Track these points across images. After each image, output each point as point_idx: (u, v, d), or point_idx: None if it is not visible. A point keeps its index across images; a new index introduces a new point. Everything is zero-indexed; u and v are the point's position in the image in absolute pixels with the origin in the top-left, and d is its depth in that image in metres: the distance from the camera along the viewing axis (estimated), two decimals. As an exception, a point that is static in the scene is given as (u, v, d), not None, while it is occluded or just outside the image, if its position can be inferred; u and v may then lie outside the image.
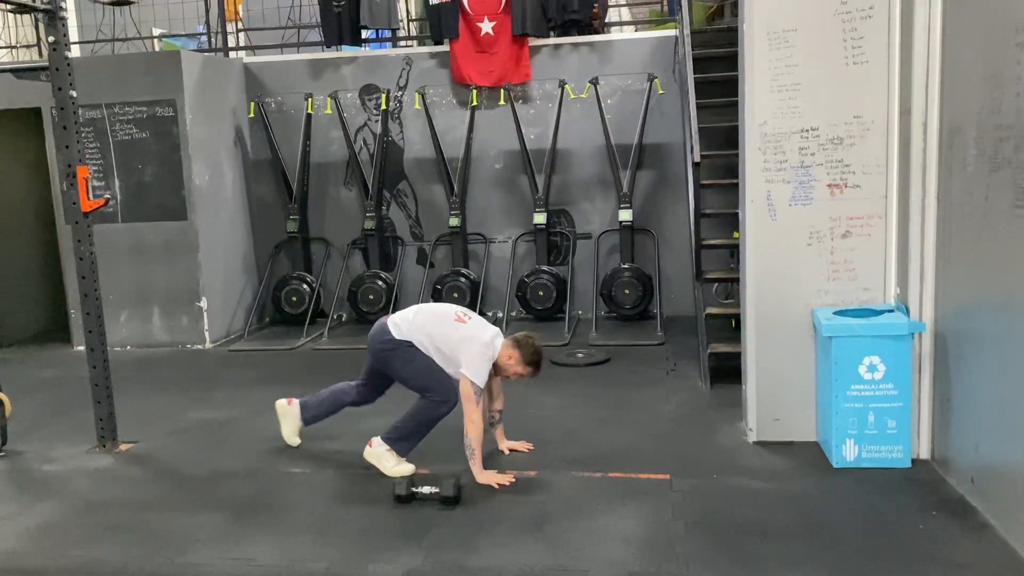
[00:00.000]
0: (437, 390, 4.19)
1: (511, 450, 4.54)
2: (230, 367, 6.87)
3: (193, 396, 6.00)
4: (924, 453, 4.18)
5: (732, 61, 4.91)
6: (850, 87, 4.24)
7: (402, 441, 4.27)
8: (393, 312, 4.62)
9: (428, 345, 4.19)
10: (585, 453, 4.51)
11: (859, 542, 3.40)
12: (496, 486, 4.04)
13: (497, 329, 4.30)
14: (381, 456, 4.26)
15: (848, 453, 4.13)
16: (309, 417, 4.70)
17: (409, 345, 4.21)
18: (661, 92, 7.54)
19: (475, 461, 4.11)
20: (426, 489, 3.95)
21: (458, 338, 4.15)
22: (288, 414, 4.73)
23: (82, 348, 5.26)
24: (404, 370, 4.26)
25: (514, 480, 4.09)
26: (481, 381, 4.08)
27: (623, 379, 5.93)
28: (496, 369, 4.22)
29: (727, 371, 5.39)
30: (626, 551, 3.41)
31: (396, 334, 4.24)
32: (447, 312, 4.35)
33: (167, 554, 3.58)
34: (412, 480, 3.99)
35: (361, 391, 4.60)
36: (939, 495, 3.80)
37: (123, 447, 4.94)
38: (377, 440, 4.29)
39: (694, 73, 6.45)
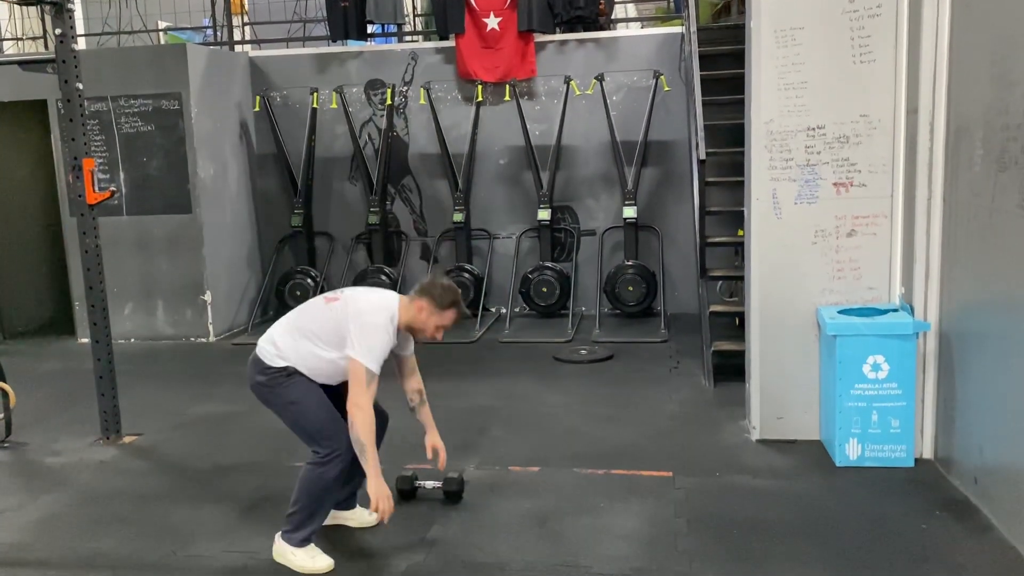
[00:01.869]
0: (322, 440, 3.34)
1: (435, 449, 3.68)
2: (234, 361, 6.86)
3: (197, 389, 6.01)
4: (927, 453, 4.18)
5: (738, 58, 4.90)
6: (857, 86, 4.23)
7: (302, 528, 3.38)
8: None
9: (305, 353, 3.35)
10: (588, 450, 4.51)
11: (861, 541, 3.40)
12: (378, 513, 3.26)
13: (389, 291, 3.54)
14: (285, 553, 3.40)
15: (851, 452, 4.13)
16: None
17: (285, 374, 3.35)
18: (667, 89, 7.52)
19: (368, 462, 3.24)
20: (429, 484, 3.95)
21: (334, 323, 3.32)
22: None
23: (86, 340, 5.27)
24: (287, 412, 3.41)
25: (390, 513, 3.28)
26: (375, 360, 3.24)
27: (626, 376, 5.93)
28: (412, 333, 3.46)
29: (730, 369, 5.39)
30: (629, 548, 3.41)
31: (268, 359, 3.38)
32: (314, 303, 3.51)
33: (171, 546, 3.59)
34: (415, 475, 3.99)
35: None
36: (942, 495, 3.79)
37: (127, 440, 4.96)
38: (277, 537, 3.45)
39: (700, 70, 6.44)
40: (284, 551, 3.40)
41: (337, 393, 3.41)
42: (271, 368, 3.37)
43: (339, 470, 3.35)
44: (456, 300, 3.42)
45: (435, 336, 3.44)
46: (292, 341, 3.38)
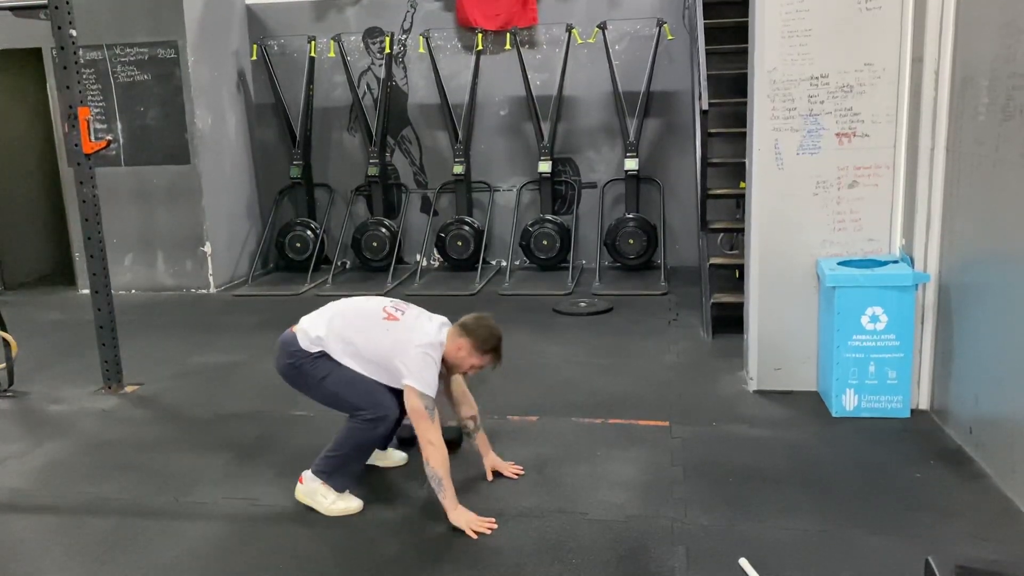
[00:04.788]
0: (368, 406, 3.30)
1: (496, 473, 3.62)
2: (234, 312, 6.90)
3: (198, 340, 6.03)
4: (924, 404, 4.20)
5: (743, 7, 4.81)
6: (862, 34, 4.16)
7: (337, 475, 3.38)
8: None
9: (352, 356, 3.31)
10: (586, 400, 4.54)
11: (855, 489, 3.44)
12: (473, 534, 3.15)
13: (443, 319, 3.48)
14: (315, 492, 3.38)
15: (848, 403, 4.15)
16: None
17: (320, 356, 3.32)
18: (670, 38, 7.42)
19: (446, 495, 3.20)
20: (428, 433, 3.98)
21: (390, 343, 3.27)
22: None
23: (87, 291, 5.28)
24: (320, 389, 3.35)
25: (494, 527, 3.21)
26: (430, 389, 3.20)
27: (625, 328, 5.94)
28: (447, 367, 3.38)
29: (729, 321, 5.39)
30: (625, 495, 3.45)
31: (306, 344, 3.33)
32: (372, 310, 3.40)
33: (172, 493, 3.64)
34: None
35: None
36: (937, 445, 3.83)
37: (128, 389, 4.99)
38: (308, 475, 3.42)
39: (704, 18, 6.33)
40: (314, 491, 3.38)
41: None
42: (302, 351, 3.34)
43: (387, 428, 3.36)
44: (497, 346, 3.35)
45: (468, 373, 3.42)
46: (340, 350, 3.32)
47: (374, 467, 3.78)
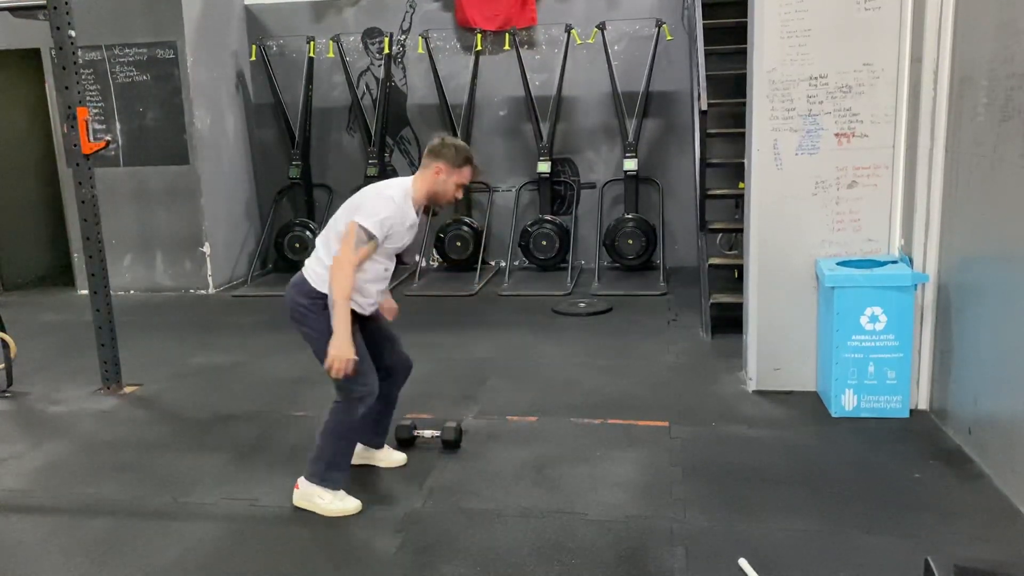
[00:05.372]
0: (349, 382, 3.26)
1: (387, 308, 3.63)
2: (233, 312, 6.89)
3: (197, 340, 6.03)
4: (923, 404, 4.20)
5: (742, 7, 4.81)
6: (861, 34, 4.16)
7: (328, 474, 3.39)
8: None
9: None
10: (585, 400, 4.54)
11: (855, 489, 3.44)
12: (336, 369, 3.14)
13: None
14: (312, 496, 3.39)
15: (847, 403, 4.15)
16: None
17: (323, 299, 3.28)
18: (669, 38, 7.42)
19: (338, 316, 3.14)
20: (427, 433, 3.99)
21: (349, 209, 3.28)
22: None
23: (86, 292, 5.28)
24: (319, 341, 3.27)
25: (353, 374, 3.19)
26: (373, 225, 3.17)
27: (624, 329, 5.94)
28: (435, 199, 3.37)
29: (728, 321, 5.39)
30: (624, 495, 3.45)
31: (316, 283, 3.31)
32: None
33: (171, 493, 3.63)
34: (414, 424, 4.02)
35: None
36: (936, 445, 3.83)
37: (127, 389, 4.99)
38: (302, 481, 3.44)
39: (703, 19, 6.34)
40: (311, 494, 3.40)
41: (374, 341, 3.45)
42: (316, 292, 3.29)
43: (363, 411, 3.35)
44: (470, 156, 3.38)
45: (456, 195, 3.40)
46: (330, 253, 3.28)
47: (374, 468, 3.78)
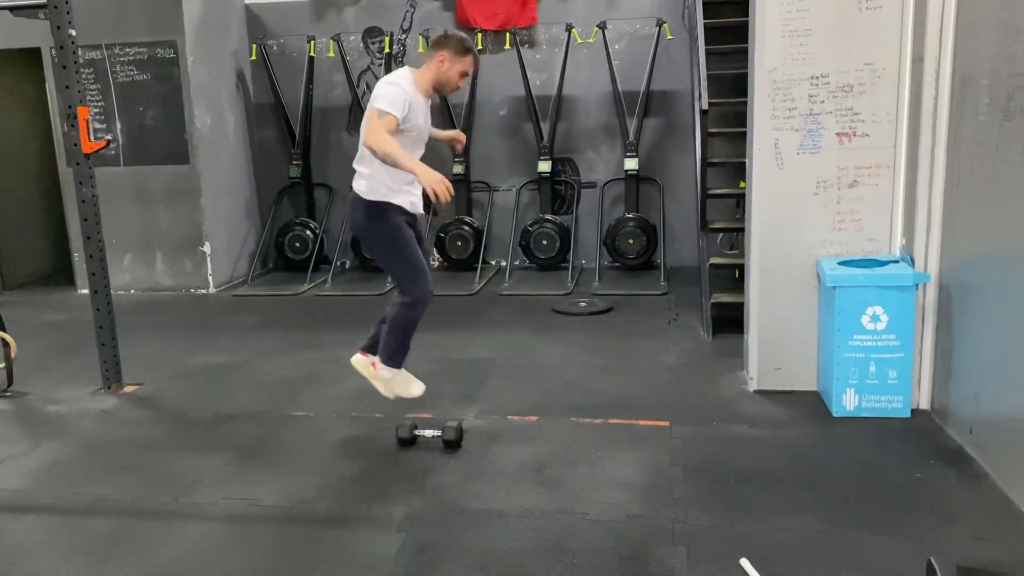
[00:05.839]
0: (410, 284, 3.78)
1: (453, 138, 4.16)
2: (234, 312, 6.89)
3: (197, 340, 6.03)
4: (924, 403, 4.20)
5: (743, 6, 4.81)
6: (862, 33, 4.16)
7: (396, 356, 3.97)
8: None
9: (378, 166, 3.64)
10: (586, 400, 4.54)
11: (856, 489, 3.43)
12: (433, 194, 3.43)
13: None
14: (381, 372, 4.00)
15: (848, 402, 4.15)
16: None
17: (381, 209, 3.71)
18: (670, 37, 7.41)
19: (403, 163, 3.44)
20: (428, 433, 3.99)
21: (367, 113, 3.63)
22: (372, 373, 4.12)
23: (86, 291, 5.27)
24: (382, 250, 3.82)
25: (442, 203, 3.50)
26: (387, 104, 3.50)
27: (625, 328, 5.94)
28: (440, 88, 3.75)
29: (729, 321, 5.39)
30: (625, 495, 3.45)
31: (365, 194, 3.73)
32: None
33: (172, 493, 3.63)
34: (414, 423, 4.02)
35: None
36: (937, 445, 3.82)
37: (128, 389, 4.99)
38: (379, 364, 4.00)
39: (704, 18, 6.33)
40: (380, 372, 3.96)
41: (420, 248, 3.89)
42: (369, 202, 3.71)
43: (422, 311, 3.83)
44: (470, 45, 3.72)
45: (459, 84, 3.75)
46: (367, 160, 3.66)
47: (374, 467, 3.76)
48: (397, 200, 3.76)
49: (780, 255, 4.40)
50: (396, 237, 3.77)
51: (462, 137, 4.19)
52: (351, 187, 3.85)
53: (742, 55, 4.88)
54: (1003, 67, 3.34)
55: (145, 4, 7.26)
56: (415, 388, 4.04)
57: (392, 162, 3.48)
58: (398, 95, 3.54)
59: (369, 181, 3.74)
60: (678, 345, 5.48)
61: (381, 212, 3.74)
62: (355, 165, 3.82)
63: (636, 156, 7.52)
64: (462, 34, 3.76)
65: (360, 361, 4.14)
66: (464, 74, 3.73)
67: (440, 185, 3.41)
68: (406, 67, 3.76)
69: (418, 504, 3.44)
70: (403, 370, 4.02)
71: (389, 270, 3.97)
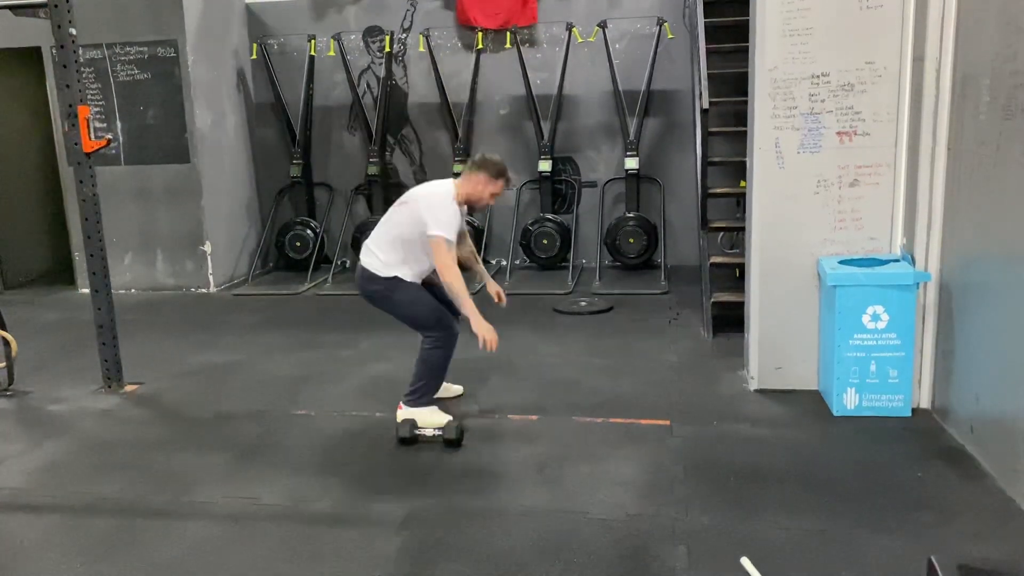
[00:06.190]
0: (436, 328, 4.09)
1: (496, 293, 4.46)
2: (234, 311, 6.89)
3: (198, 339, 6.03)
4: (925, 403, 4.20)
5: (743, 5, 4.81)
6: (863, 32, 4.15)
7: (425, 396, 4.20)
8: None
9: (410, 258, 4.02)
10: (586, 399, 4.54)
11: (856, 488, 3.43)
12: (489, 343, 3.90)
13: (442, 180, 4.26)
14: (414, 413, 4.15)
15: (849, 402, 4.15)
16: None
17: (397, 282, 4.04)
18: (671, 37, 7.41)
19: (467, 305, 3.92)
20: (429, 432, 3.99)
21: (415, 215, 3.99)
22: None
23: (86, 290, 5.28)
24: (400, 309, 4.12)
25: (493, 350, 3.91)
26: (451, 231, 3.93)
27: (626, 327, 5.94)
28: (471, 203, 4.14)
29: (730, 320, 5.39)
30: (625, 494, 3.45)
31: (380, 271, 4.06)
32: (390, 213, 4.17)
33: (172, 492, 3.63)
34: (415, 422, 4.02)
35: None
36: (938, 444, 3.82)
37: (129, 388, 4.99)
38: (403, 404, 4.21)
39: (704, 17, 6.33)
40: (411, 413, 4.12)
41: (435, 293, 4.18)
42: (384, 278, 4.04)
43: (450, 350, 4.16)
44: (505, 171, 4.15)
45: (490, 203, 4.19)
46: (394, 251, 4.04)
47: (374, 467, 3.78)
48: (411, 278, 4.11)
49: (781, 254, 4.39)
50: (413, 294, 4.09)
51: (503, 296, 4.51)
52: (360, 261, 4.13)
53: (743, 54, 4.88)
54: (1004, 66, 3.33)
55: (146, 3, 7.26)
56: (439, 418, 4.13)
57: (453, 294, 3.95)
58: (451, 219, 3.95)
59: (390, 267, 4.06)
60: (679, 344, 5.48)
61: (397, 282, 4.06)
62: (374, 248, 4.10)
63: (637, 155, 7.52)
64: (498, 159, 4.15)
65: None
66: (494, 195, 4.15)
67: (492, 335, 3.92)
68: (449, 182, 4.13)
69: (419, 503, 3.44)
70: (434, 407, 4.23)
71: (412, 322, 4.15)
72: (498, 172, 4.11)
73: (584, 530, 3.18)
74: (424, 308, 4.11)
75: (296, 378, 5.05)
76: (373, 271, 4.08)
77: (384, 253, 4.07)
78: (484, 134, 8.07)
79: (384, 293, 4.09)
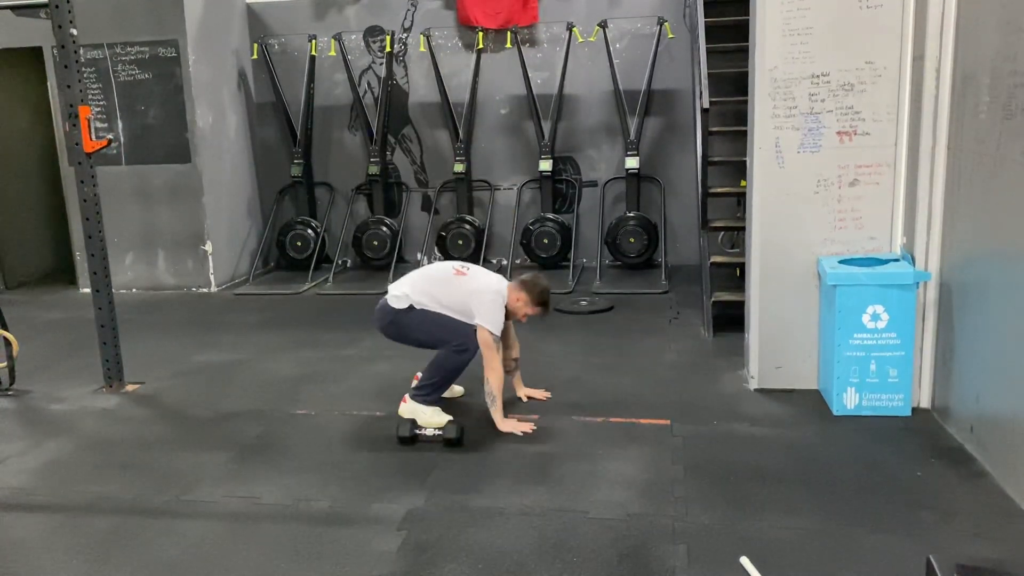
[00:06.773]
0: (455, 339, 4.10)
1: (528, 397, 4.53)
2: (235, 311, 6.90)
3: (199, 339, 6.04)
4: (925, 402, 4.20)
5: (743, 5, 4.81)
6: (863, 32, 4.16)
7: (434, 394, 4.23)
8: (394, 272, 4.50)
9: (435, 306, 4.14)
10: (587, 399, 4.54)
11: (856, 488, 3.43)
12: (520, 433, 4.05)
13: (500, 276, 4.32)
14: (417, 410, 4.19)
15: (849, 401, 4.15)
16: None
17: (411, 309, 4.14)
18: (671, 36, 7.41)
19: (496, 409, 4.10)
20: (429, 431, 3.99)
21: (465, 292, 4.12)
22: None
23: (87, 290, 5.29)
24: (418, 332, 4.18)
25: (534, 428, 4.08)
26: (497, 329, 4.06)
27: (626, 327, 5.94)
28: (510, 315, 4.21)
29: (730, 320, 5.39)
30: (626, 494, 3.45)
31: (398, 305, 4.17)
32: (445, 269, 4.27)
33: (173, 492, 3.64)
34: (415, 422, 4.03)
35: None
36: (938, 443, 3.82)
37: (130, 388, 5.00)
38: (408, 399, 4.25)
39: (705, 17, 6.33)
40: (415, 408, 4.18)
41: None
42: (401, 309, 4.16)
43: (470, 357, 4.14)
44: (547, 300, 4.24)
45: (521, 320, 4.27)
46: (426, 302, 4.12)
47: (375, 466, 3.78)
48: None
49: (781, 254, 4.40)
50: (434, 315, 4.14)
51: (538, 394, 4.58)
52: (387, 301, 4.21)
53: (743, 54, 4.89)
54: (1004, 65, 3.34)
55: (146, 3, 7.27)
56: (440, 418, 4.14)
57: (488, 391, 4.09)
58: (499, 320, 4.10)
59: (424, 307, 4.15)
60: (679, 344, 5.48)
61: (411, 309, 4.17)
62: (406, 292, 4.16)
63: (637, 155, 7.52)
64: (545, 286, 4.22)
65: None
66: (527, 316, 4.25)
67: (518, 427, 4.09)
68: (505, 284, 4.22)
69: (419, 502, 3.45)
70: (437, 407, 4.22)
71: (434, 341, 4.17)
72: (540, 300, 4.20)
73: (584, 530, 3.18)
74: (442, 323, 4.13)
75: (297, 378, 5.05)
76: (393, 306, 4.17)
77: (418, 300, 4.15)
78: (485, 133, 8.07)
79: (396, 321, 4.18)
